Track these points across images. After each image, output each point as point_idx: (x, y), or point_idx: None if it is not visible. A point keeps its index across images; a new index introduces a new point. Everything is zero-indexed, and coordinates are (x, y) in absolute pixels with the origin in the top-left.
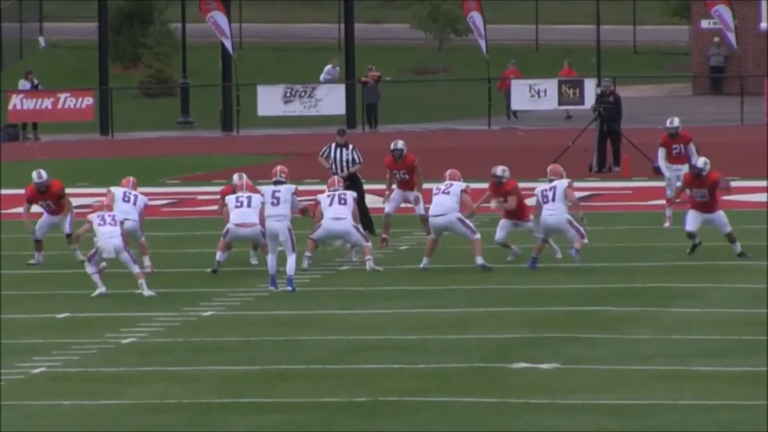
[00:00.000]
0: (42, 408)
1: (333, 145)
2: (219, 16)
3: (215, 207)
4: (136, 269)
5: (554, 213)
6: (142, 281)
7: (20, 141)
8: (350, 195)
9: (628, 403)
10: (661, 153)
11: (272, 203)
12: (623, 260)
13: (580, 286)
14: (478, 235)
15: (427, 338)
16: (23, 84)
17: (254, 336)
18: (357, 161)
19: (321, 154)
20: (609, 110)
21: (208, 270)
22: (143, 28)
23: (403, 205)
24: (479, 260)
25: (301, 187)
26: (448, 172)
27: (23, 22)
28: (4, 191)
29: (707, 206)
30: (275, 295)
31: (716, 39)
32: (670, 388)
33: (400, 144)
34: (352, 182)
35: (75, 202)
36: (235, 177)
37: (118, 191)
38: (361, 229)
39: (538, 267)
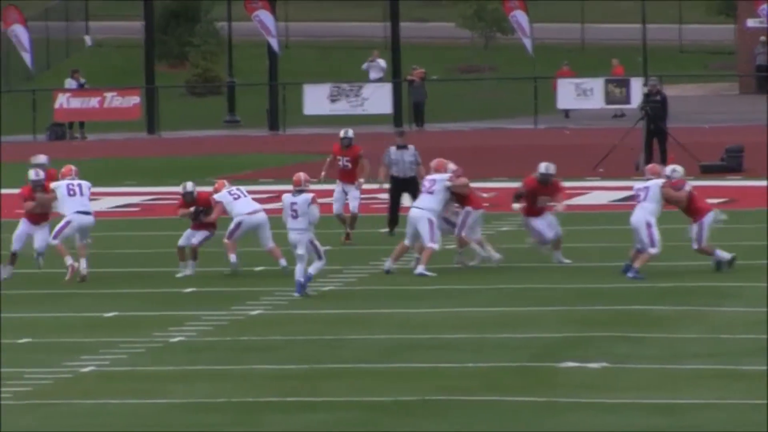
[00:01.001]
0: (90, 406)
1: (393, 148)
2: (265, 15)
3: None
4: None
5: (638, 211)
6: None
7: (67, 140)
8: (440, 180)
9: (676, 402)
10: None
11: (291, 216)
12: (670, 260)
13: (626, 285)
14: (435, 245)
15: (473, 337)
16: (69, 83)
17: (301, 335)
18: (419, 162)
19: (384, 160)
20: (655, 109)
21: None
22: (189, 27)
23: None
24: (420, 268)
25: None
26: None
27: (69, 21)
28: None
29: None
30: (322, 294)
31: (762, 38)
32: (718, 387)
33: (350, 133)
34: (411, 184)
35: (121, 201)
36: (189, 185)
37: (60, 187)
38: (435, 228)
39: (633, 276)
